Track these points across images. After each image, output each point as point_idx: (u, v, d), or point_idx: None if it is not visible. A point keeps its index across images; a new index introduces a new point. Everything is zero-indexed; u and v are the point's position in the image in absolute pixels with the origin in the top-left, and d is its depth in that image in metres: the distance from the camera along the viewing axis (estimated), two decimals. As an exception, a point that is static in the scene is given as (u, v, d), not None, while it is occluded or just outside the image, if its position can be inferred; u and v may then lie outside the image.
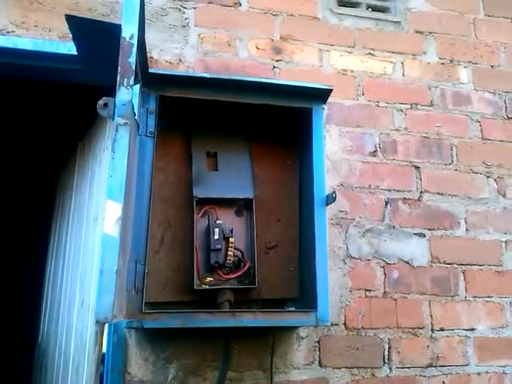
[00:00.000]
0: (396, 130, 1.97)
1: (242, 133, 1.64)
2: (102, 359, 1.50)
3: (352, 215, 1.84)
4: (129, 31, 1.12)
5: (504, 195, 2.01)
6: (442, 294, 1.84)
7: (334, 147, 1.89)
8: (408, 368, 1.75)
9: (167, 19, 1.86)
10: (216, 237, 1.49)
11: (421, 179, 1.94)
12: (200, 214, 1.53)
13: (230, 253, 1.49)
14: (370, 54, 2.03)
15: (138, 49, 1.14)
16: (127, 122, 1.07)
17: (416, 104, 2.02)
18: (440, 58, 2.10)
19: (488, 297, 1.89)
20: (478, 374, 1.81)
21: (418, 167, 1.95)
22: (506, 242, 1.96)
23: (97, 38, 1.20)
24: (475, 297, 1.88)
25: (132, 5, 1.14)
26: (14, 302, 4.09)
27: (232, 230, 1.52)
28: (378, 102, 1.98)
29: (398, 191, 1.91)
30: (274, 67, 1.92)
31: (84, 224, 1.86)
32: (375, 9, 2.10)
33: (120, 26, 1.12)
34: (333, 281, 1.73)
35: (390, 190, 1.90)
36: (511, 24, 2.25)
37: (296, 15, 1.99)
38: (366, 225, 1.84)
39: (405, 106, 2.01)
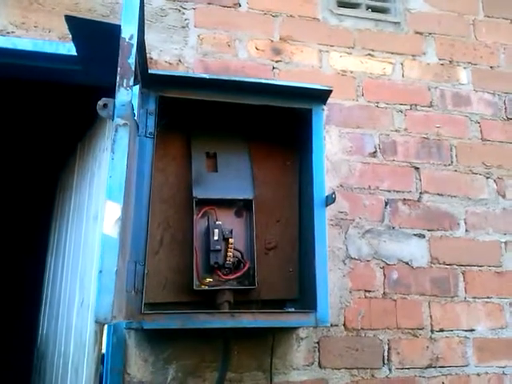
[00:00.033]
0: (396, 130, 1.97)
1: (241, 133, 1.64)
2: (101, 359, 1.50)
3: (352, 216, 1.84)
4: (128, 32, 1.12)
5: (504, 196, 2.01)
6: (441, 295, 1.84)
7: (333, 148, 1.89)
8: (407, 369, 1.75)
9: (167, 20, 1.86)
10: (215, 237, 1.49)
11: (420, 180, 1.94)
12: (200, 215, 1.53)
13: (229, 253, 1.49)
14: (369, 54, 2.03)
15: (137, 49, 1.14)
16: (127, 123, 1.07)
17: (416, 105, 2.02)
18: (440, 59, 2.11)
19: (487, 297, 1.89)
20: (478, 374, 1.81)
21: (418, 168, 1.95)
22: (505, 242, 1.96)
23: (96, 38, 1.20)
24: (475, 297, 1.88)
25: (131, 5, 1.15)
26: (13, 302, 4.09)
27: (232, 230, 1.51)
28: (377, 102, 1.98)
29: (397, 192, 1.91)
30: (273, 68, 1.92)
31: (84, 224, 1.86)
32: (375, 10, 2.10)
33: (119, 26, 1.12)
34: (332, 281, 1.73)
35: (389, 191, 1.90)
36: (511, 25, 2.25)
37: (296, 16, 1.99)
38: (366, 225, 1.84)
39: (404, 107, 2.01)
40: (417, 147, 1.98)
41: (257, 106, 1.49)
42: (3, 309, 4.04)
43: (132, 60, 1.10)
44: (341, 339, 1.72)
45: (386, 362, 1.74)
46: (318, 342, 1.70)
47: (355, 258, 1.80)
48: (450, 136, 2.02)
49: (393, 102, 2.00)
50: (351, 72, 1.99)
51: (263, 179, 1.63)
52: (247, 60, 1.90)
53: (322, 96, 1.54)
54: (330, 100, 1.57)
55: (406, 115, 2.00)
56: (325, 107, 1.58)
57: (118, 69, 1.09)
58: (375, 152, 1.93)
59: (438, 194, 1.95)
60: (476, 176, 2.01)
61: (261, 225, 1.58)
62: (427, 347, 1.78)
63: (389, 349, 1.75)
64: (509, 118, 2.12)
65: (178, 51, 1.85)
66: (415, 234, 1.88)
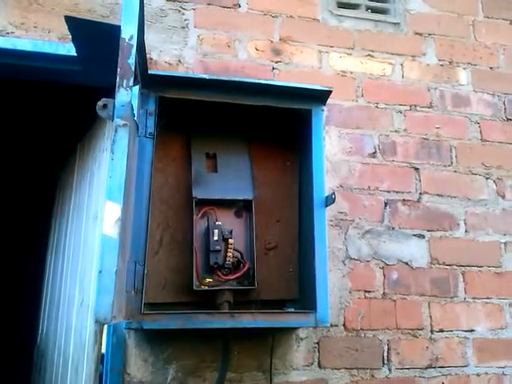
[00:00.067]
0: (395, 131, 1.98)
1: (241, 134, 1.64)
2: (101, 359, 1.50)
3: (351, 216, 1.84)
4: (128, 32, 1.12)
5: (503, 196, 2.02)
6: (441, 295, 1.84)
7: (333, 148, 1.89)
8: (407, 369, 1.75)
9: (166, 20, 1.87)
10: (215, 238, 1.49)
11: (420, 180, 1.94)
12: (199, 215, 1.53)
13: (229, 254, 1.49)
14: (369, 55, 2.03)
15: (137, 50, 1.14)
16: (126, 123, 1.07)
17: (415, 105, 2.03)
18: (439, 60, 2.11)
19: (487, 298, 1.89)
20: (478, 375, 1.81)
21: (418, 168, 1.96)
22: (505, 243, 1.96)
23: (96, 39, 1.20)
24: (474, 298, 1.88)
25: (131, 6, 1.15)
26: (13, 302, 4.09)
27: (231, 231, 1.52)
28: (377, 103, 1.99)
29: (397, 192, 1.91)
30: (273, 68, 1.92)
31: (83, 223, 1.86)
32: (374, 10, 2.10)
33: (119, 27, 1.12)
34: (332, 282, 1.73)
35: (389, 192, 1.90)
36: (510, 26, 2.25)
37: (295, 17, 2.00)
38: (366, 226, 1.84)
39: (404, 108, 2.01)
40: (416, 148, 1.98)
41: (256, 106, 1.50)
42: (3, 309, 4.04)
43: (132, 60, 1.10)
44: (340, 339, 1.72)
45: (385, 362, 1.74)
46: (317, 343, 1.71)
47: (355, 259, 1.80)
48: (449, 137, 2.02)
49: (392, 103, 2.00)
50: (351, 73, 1.99)
51: (263, 180, 1.63)
52: (247, 60, 1.90)
53: (321, 96, 1.54)
54: (329, 100, 1.57)
55: (405, 116, 2.00)
56: (324, 108, 1.58)
57: (118, 69, 1.09)
58: (375, 152, 1.93)
59: (438, 195, 1.95)
60: (476, 177, 2.01)
61: (261, 225, 1.58)
62: (427, 347, 1.78)
63: (388, 349, 1.75)
64: (508, 119, 2.12)
65: (178, 52, 1.85)
66: (415, 235, 1.88)
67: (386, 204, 1.89)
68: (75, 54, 1.31)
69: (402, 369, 1.75)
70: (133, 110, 1.17)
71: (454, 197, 1.96)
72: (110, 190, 1.05)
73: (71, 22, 1.21)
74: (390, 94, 2.01)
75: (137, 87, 1.39)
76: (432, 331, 1.80)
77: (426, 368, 1.77)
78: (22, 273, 4.03)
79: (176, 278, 1.50)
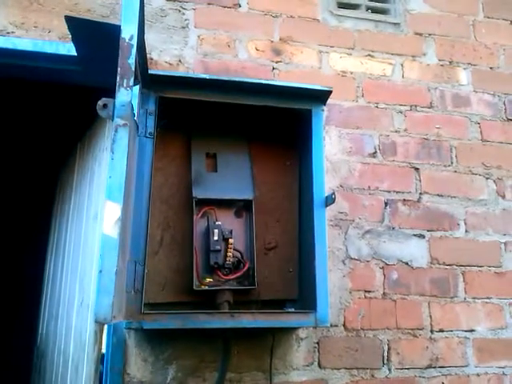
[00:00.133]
0: (395, 131, 1.98)
1: (241, 134, 1.64)
2: (101, 359, 1.50)
3: (351, 216, 1.84)
4: (128, 32, 1.12)
5: (503, 196, 2.01)
6: (441, 295, 1.84)
7: (333, 148, 1.89)
8: (407, 369, 1.75)
9: (167, 20, 1.87)
10: (215, 238, 1.49)
11: (420, 180, 1.94)
12: (199, 215, 1.53)
13: (229, 254, 1.49)
14: (369, 55, 2.03)
15: (137, 50, 1.14)
16: (126, 123, 1.07)
17: (415, 105, 2.03)
18: (439, 60, 2.11)
19: (487, 298, 1.89)
20: (478, 375, 1.81)
21: (418, 168, 1.96)
22: (505, 243, 1.96)
23: (96, 39, 1.20)
24: (474, 298, 1.88)
25: (131, 6, 1.15)
26: (13, 302, 4.09)
27: (231, 231, 1.52)
28: (377, 103, 1.99)
29: (397, 192, 1.91)
30: (273, 68, 1.92)
31: (83, 223, 1.86)
32: (375, 10, 2.10)
33: (119, 26, 1.12)
34: (332, 282, 1.73)
35: (389, 192, 1.90)
36: (510, 26, 2.25)
37: (296, 17, 2.00)
38: (366, 226, 1.84)
39: (404, 108, 2.01)
40: (417, 148, 1.98)
41: (257, 106, 1.50)
42: (3, 309, 4.04)
43: (132, 60, 1.10)
44: (340, 339, 1.72)
45: (385, 362, 1.74)
46: (317, 343, 1.70)
47: (355, 259, 1.80)
48: (449, 137, 2.02)
49: (393, 103, 2.00)
50: (351, 73, 1.99)
51: (263, 179, 1.63)
52: (247, 60, 1.90)
53: (321, 96, 1.54)
54: (329, 100, 1.57)
55: (405, 116, 2.00)
56: (324, 108, 1.58)
57: (118, 69, 1.09)
58: (375, 152, 1.93)
59: (438, 195, 1.95)
60: (476, 177, 2.01)
61: (261, 225, 1.58)
62: (427, 347, 1.78)
63: (388, 349, 1.75)
64: (508, 119, 2.12)
65: (178, 51, 1.85)
66: (415, 235, 1.88)
67: (386, 204, 1.89)
68: (75, 54, 1.31)
69: (401, 369, 1.75)
70: (133, 109, 1.17)
71: (454, 197, 1.96)
72: (110, 190, 1.05)
73: (71, 21, 1.21)
74: (390, 94, 2.01)
75: (137, 87, 1.39)
76: (432, 331, 1.80)
77: (426, 368, 1.77)
78: (21, 273, 4.03)
79: (176, 277, 1.50)
